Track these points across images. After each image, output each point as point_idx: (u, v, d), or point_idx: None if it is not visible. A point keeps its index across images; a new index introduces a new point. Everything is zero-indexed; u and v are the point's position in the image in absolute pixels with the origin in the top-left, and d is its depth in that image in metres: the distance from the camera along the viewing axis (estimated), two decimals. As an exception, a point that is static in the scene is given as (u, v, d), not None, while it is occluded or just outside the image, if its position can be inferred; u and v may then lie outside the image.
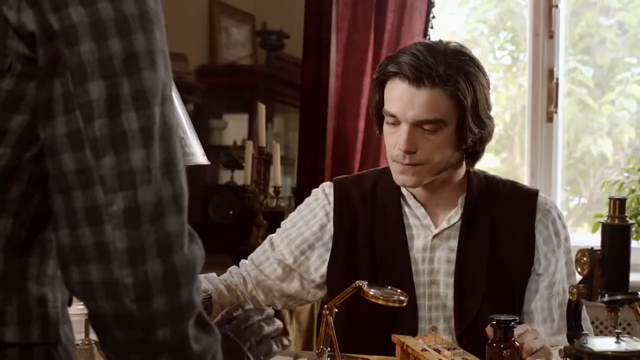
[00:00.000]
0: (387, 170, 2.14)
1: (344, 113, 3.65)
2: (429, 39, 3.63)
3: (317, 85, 3.70)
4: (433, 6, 3.66)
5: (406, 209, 2.13)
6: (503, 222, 2.10)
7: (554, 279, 2.08)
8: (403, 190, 2.14)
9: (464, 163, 2.11)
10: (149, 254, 1.02)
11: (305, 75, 3.77)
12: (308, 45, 3.76)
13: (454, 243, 2.10)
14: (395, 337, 1.90)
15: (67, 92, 1.02)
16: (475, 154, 2.09)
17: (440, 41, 2.05)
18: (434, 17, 3.67)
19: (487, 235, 2.09)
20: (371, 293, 1.80)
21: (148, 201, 1.02)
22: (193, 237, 1.08)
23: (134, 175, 1.02)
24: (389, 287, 1.85)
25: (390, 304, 1.81)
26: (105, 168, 1.01)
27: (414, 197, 2.13)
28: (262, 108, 3.75)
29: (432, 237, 2.10)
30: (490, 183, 2.15)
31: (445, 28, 4.04)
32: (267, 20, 4.33)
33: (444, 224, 2.11)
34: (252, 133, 4.14)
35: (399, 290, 1.84)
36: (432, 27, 3.67)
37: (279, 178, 3.79)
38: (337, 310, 1.85)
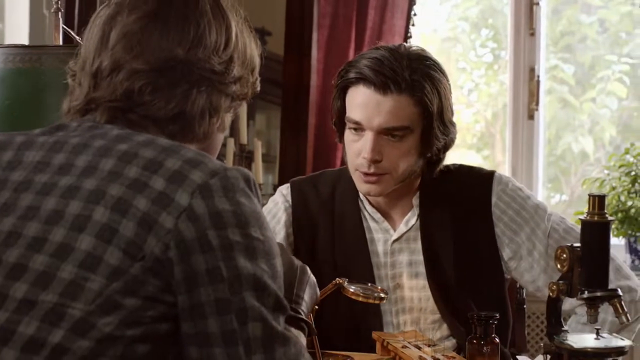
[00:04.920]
0: (345, 172, 2.09)
1: (325, 110, 3.65)
2: (410, 36, 3.64)
3: (298, 82, 3.69)
4: (414, 4, 3.67)
5: (366, 213, 2.09)
6: (461, 213, 2.04)
7: (534, 254, 2.02)
8: (361, 194, 2.08)
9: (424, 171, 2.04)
10: None
11: (286, 72, 3.76)
12: (289, 42, 3.75)
13: (414, 245, 2.06)
14: (375, 334, 1.89)
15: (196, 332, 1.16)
16: (437, 162, 2.03)
17: (402, 45, 2.00)
18: (415, 14, 3.68)
19: (447, 229, 2.03)
20: (351, 290, 1.79)
21: None
22: None
23: None
24: (369, 284, 1.84)
25: (371, 300, 1.80)
26: None
27: (370, 202, 2.09)
28: (243, 105, 3.73)
29: (392, 242, 2.07)
30: (443, 174, 2.07)
31: (427, 26, 4.04)
32: (248, 17, 4.32)
33: (402, 228, 2.06)
34: (233, 130, 4.12)
35: (379, 287, 1.83)
36: (413, 25, 3.67)
37: (261, 175, 3.78)
38: (317, 307, 1.84)
